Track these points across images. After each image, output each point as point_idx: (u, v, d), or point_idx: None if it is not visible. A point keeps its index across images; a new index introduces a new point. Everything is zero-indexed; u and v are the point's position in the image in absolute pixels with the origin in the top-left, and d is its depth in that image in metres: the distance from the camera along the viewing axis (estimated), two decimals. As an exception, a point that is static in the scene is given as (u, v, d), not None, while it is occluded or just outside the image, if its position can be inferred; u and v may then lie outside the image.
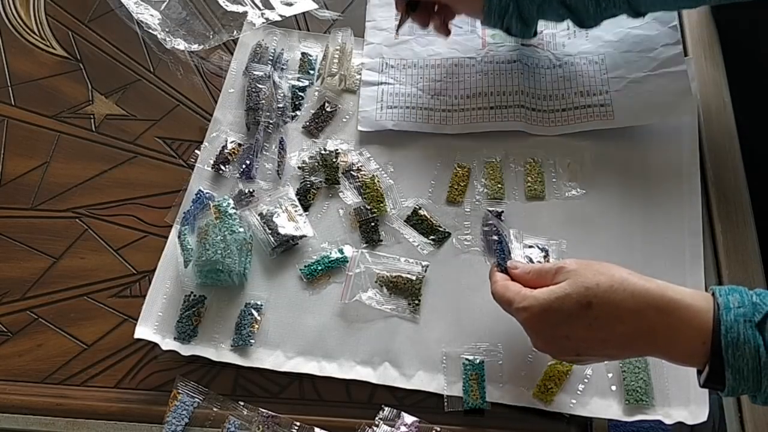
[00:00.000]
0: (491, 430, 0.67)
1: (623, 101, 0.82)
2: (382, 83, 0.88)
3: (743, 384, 0.51)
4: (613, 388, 0.67)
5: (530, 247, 0.73)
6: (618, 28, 0.87)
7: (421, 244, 0.77)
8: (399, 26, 0.84)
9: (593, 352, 0.58)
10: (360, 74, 0.88)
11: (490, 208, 0.78)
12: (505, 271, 0.66)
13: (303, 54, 0.90)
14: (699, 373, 0.54)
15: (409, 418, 0.67)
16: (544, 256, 0.73)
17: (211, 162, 0.82)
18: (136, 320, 0.72)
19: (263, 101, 0.84)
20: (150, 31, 0.92)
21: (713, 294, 0.54)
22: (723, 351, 0.50)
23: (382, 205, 0.78)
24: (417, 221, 0.78)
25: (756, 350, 0.50)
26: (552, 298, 0.57)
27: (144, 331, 0.72)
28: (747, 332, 0.50)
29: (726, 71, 0.86)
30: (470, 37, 0.90)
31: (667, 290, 0.54)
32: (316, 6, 0.95)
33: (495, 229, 0.75)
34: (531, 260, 0.72)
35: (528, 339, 0.64)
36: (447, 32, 0.83)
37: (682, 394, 0.66)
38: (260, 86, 0.85)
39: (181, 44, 0.91)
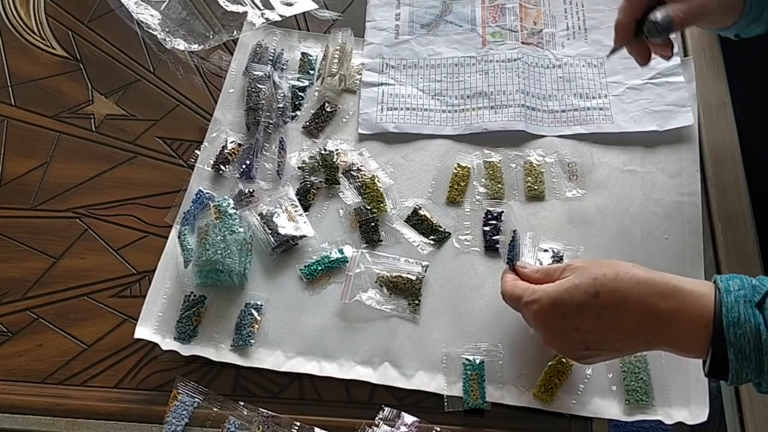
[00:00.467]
0: (491, 430, 0.67)
1: (622, 107, 0.83)
2: (382, 84, 0.88)
3: (746, 365, 0.52)
4: (613, 388, 0.67)
5: (545, 251, 0.73)
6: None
7: (421, 244, 0.77)
8: (612, 52, 0.72)
9: (601, 344, 0.58)
10: (360, 74, 0.88)
11: (491, 208, 0.78)
12: (514, 269, 0.67)
13: (303, 54, 0.90)
14: (704, 364, 0.55)
15: (409, 418, 0.67)
16: (558, 262, 0.73)
17: (211, 162, 0.82)
18: (136, 320, 0.72)
19: (263, 101, 0.84)
20: (150, 31, 0.92)
21: (714, 281, 0.55)
22: (725, 330, 0.52)
23: (382, 205, 0.78)
24: (417, 221, 0.78)
25: (757, 328, 0.51)
26: (561, 290, 0.58)
27: (144, 331, 0.72)
28: (747, 312, 0.52)
29: (726, 71, 0.86)
30: (470, 36, 0.90)
31: (671, 279, 0.56)
32: (316, 6, 0.95)
33: (506, 229, 0.75)
34: (541, 264, 0.72)
35: (528, 339, 0.64)
36: (671, 54, 0.71)
37: (682, 394, 0.66)
38: (260, 86, 0.85)
39: (181, 44, 0.91)
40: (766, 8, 0.66)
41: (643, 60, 0.71)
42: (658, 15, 0.65)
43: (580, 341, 0.58)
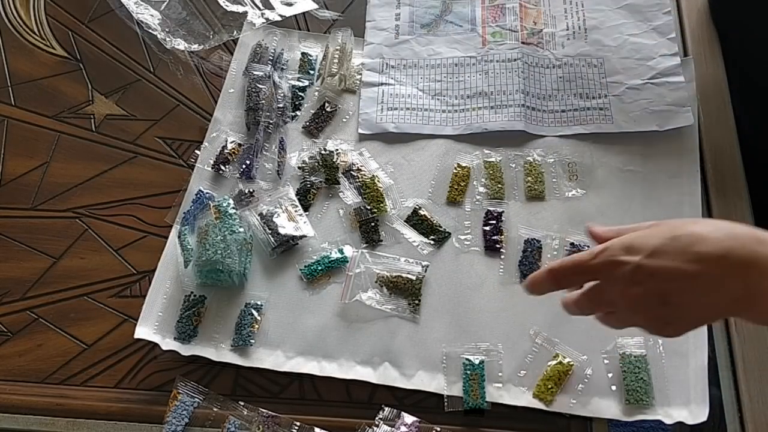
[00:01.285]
0: (491, 430, 0.67)
1: (622, 107, 0.83)
2: (382, 84, 0.88)
3: None
4: (613, 388, 0.67)
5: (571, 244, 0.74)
6: (617, 34, 0.87)
7: (421, 244, 0.77)
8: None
9: (682, 296, 0.49)
10: (360, 74, 0.88)
11: (491, 208, 0.78)
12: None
13: (303, 54, 0.90)
14: None
15: (409, 418, 0.67)
16: None
17: (211, 162, 0.82)
18: (136, 320, 0.72)
19: (263, 101, 0.84)
20: (150, 31, 0.92)
21: None
22: None
23: (382, 205, 0.78)
24: (417, 221, 0.78)
25: None
26: (634, 236, 0.51)
27: (144, 331, 0.72)
28: None
29: (726, 71, 0.86)
30: (470, 36, 0.90)
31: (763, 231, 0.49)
32: (316, 6, 0.95)
33: (508, 227, 0.75)
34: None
35: (528, 339, 0.64)
36: None
37: (682, 394, 0.66)
38: (260, 86, 0.85)
39: (181, 44, 0.91)
40: None
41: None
42: None
43: (657, 292, 0.49)
